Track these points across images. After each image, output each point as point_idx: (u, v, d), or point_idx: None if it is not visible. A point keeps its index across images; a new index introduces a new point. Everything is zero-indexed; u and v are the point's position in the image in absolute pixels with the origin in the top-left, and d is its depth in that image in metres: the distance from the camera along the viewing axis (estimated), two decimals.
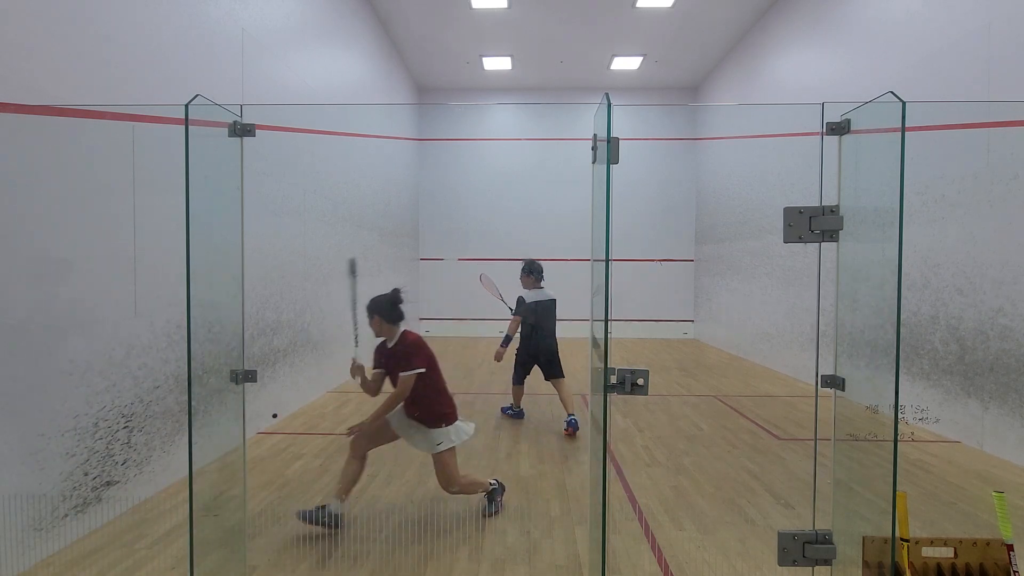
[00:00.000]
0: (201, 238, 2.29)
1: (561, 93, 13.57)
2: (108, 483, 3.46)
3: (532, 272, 5.70)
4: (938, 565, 2.20)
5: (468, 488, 3.54)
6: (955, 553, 2.20)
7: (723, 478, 4.25)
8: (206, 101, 2.28)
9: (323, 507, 3.32)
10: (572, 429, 5.29)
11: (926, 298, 5.55)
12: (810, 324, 7.84)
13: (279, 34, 5.97)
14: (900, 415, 2.04)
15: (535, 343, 5.62)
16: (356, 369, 3.43)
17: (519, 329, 5.66)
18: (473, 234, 13.58)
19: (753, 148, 10.21)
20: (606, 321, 2.14)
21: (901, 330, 2.05)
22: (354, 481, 3.45)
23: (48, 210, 3.08)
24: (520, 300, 5.67)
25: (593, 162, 2.31)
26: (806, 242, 2.30)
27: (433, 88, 13.53)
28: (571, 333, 13.36)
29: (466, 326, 13.45)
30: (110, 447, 3.48)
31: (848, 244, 2.28)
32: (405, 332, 3.52)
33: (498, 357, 5.70)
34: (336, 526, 3.33)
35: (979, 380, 4.95)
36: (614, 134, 2.09)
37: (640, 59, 11.71)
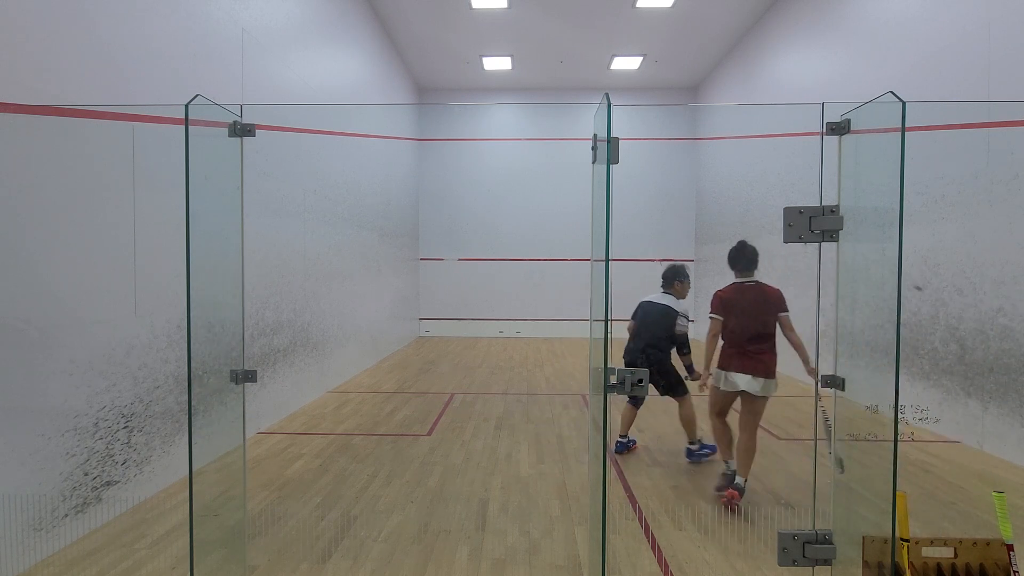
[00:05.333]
0: (201, 238, 2.29)
1: (561, 93, 13.56)
2: (108, 483, 3.46)
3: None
4: (938, 565, 2.20)
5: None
6: (955, 553, 2.20)
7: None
8: (206, 101, 2.28)
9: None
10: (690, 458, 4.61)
11: (926, 298, 5.55)
12: (810, 324, 7.80)
13: (279, 34, 5.97)
14: (900, 415, 2.04)
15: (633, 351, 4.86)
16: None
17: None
18: (473, 234, 13.57)
19: (753, 148, 10.21)
20: (606, 321, 2.14)
21: (901, 330, 2.05)
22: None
23: (48, 210, 3.08)
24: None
25: (593, 162, 2.31)
26: (806, 242, 2.30)
27: (433, 88, 13.52)
28: (571, 333, 13.40)
29: (466, 326, 13.45)
30: (110, 447, 3.48)
31: (848, 244, 2.28)
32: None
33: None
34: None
35: (979, 380, 4.95)
36: (614, 134, 2.09)
37: (640, 59, 11.71)
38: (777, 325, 3.81)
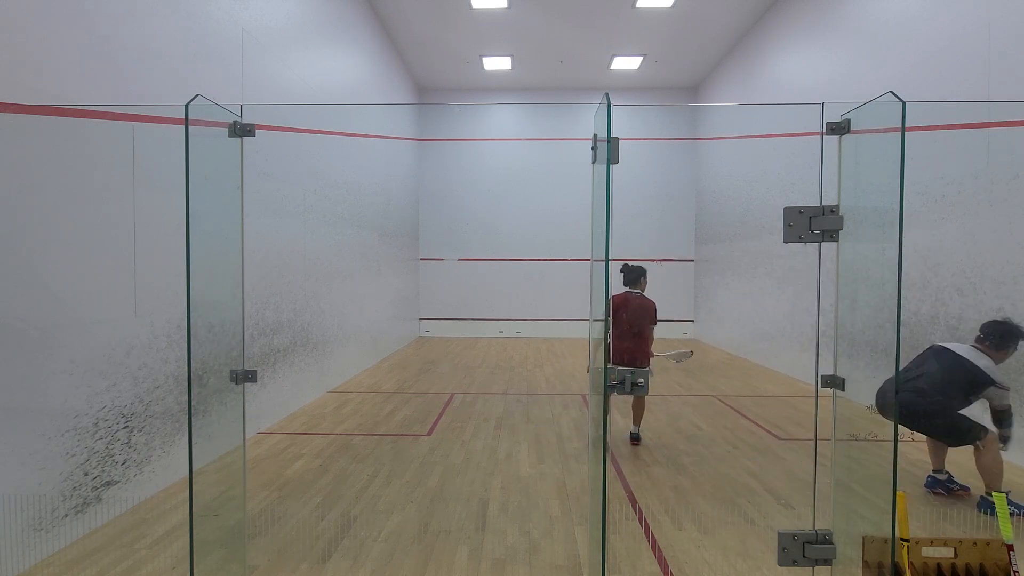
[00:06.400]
0: (201, 238, 2.29)
1: (561, 93, 13.56)
2: (108, 483, 3.46)
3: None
4: (938, 565, 2.20)
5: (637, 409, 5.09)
6: (955, 553, 2.20)
7: (723, 478, 4.25)
8: (206, 101, 2.28)
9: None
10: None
11: (926, 298, 5.54)
12: (810, 324, 7.83)
13: (279, 34, 5.97)
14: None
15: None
16: None
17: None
18: (473, 234, 13.57)
19: (753, 148, 10.21)
20: (606, 321, 2.14)
21: (901, 330, 2.05)
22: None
23: (48, 210, 3.08)
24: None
25: (593, 162, 2.31)
26: (806, 242, 2.30)
27: (433, 88, 13.52)
28: (571, 333, 13.40)
29: (466, 326, 13.45)
30: (110, 447, 3.48)
31: (848, 244, 2.27)
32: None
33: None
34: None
35: None
36: (614, 134, 2.09)
37: (640, 59, 11.71)
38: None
